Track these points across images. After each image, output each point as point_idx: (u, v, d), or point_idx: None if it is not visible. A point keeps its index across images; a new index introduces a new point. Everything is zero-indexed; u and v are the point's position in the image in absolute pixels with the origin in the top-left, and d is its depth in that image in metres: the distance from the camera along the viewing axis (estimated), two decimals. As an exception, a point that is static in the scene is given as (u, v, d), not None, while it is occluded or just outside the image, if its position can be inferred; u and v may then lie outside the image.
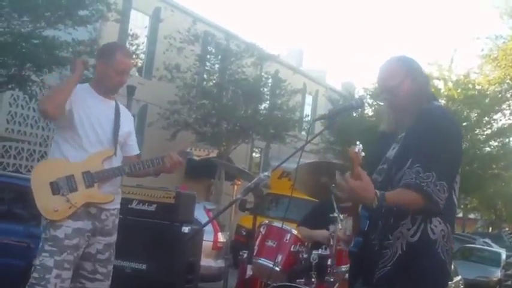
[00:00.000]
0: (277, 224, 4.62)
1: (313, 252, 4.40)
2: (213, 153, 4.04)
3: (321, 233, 4.89)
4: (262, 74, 23.02)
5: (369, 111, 24.50)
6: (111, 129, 3.75)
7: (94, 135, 3.68)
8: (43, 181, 3.60)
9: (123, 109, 3.93)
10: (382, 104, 3.10)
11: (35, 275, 3.54)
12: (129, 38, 18.03)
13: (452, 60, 22.34)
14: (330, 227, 4.30)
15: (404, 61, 2.96)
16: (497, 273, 17.70)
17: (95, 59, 3.92)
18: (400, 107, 2.87)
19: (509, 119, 23.39)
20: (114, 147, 3.74)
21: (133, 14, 21.44)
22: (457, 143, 2.84)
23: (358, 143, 2.62)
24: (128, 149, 3.91)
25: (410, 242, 2.72)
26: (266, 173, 3.50)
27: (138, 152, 4.00)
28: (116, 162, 3.77)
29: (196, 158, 3.94)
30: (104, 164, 3.69)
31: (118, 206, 3.87)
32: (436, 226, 2.74)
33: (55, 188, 3.59)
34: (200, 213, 9.23)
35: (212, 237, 9.65)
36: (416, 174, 2.64)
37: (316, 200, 5.31)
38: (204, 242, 7.56)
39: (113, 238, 3.82)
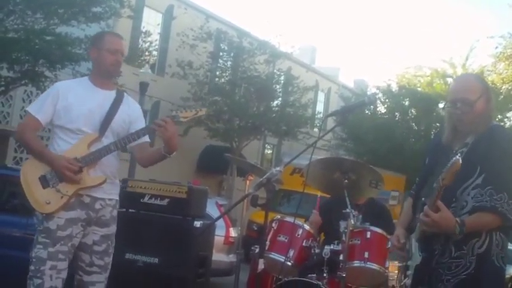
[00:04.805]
0: (289, 219, 4.62)
1: (325, 247, 4.39)
2: (202, 112, 3.87)
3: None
4: (275, 71, 23.00)
5: (381, 108, 24.39)
6: (102, 116, 3.71)
7: (81, 126, 3.67)
8: (32, 177, 3.63)
9: (127, 100, 3.90)
10: (448, 114, 3.12)
11: (32, 267, 3.55)
12: (142, 35, 18.11)
13: (467, 58, 22.15)
14: (341, 222, 4.29)
15: (482, 80, 3.24)
16: (510, 270, 17.58)
17: (88, 51, 3.93)
18: (470, 121, 3.01)
19: (522, 117, 23.16)
20: (99, 132, 3.69)
21: (146, 11, 21.50)
22: None
23: (459, 155, 2.69)
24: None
25: (478, 253, 2.92)
26: (278, 168, 3.48)
27: (149, 140, 3.92)
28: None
29: (183, 120, 3.84)
30: (90, 148, 3.66)
31: (115, 197, 3.82)
32: (493, 236, 2.95)
33: (44, 181, 3.61)
34: (212, 208, 9.25)
35: (224, 232, 9.68)
36: (490, 196, 2.87)
37: (328, 196, 5.33)
38: (215, 236, 7.57)
39: (111, 230, 3.77)
